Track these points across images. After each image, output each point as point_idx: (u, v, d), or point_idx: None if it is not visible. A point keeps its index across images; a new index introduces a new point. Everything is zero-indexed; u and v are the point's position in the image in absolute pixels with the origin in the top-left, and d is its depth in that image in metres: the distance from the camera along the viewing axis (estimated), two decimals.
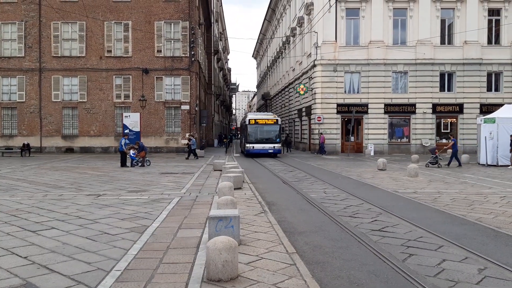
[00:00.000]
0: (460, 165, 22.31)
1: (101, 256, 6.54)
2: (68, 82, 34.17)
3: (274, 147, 30.30)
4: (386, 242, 7.61)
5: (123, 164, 22.11)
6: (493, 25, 32.89)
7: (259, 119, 31.34)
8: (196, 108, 34.40)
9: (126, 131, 29.68)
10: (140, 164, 22.28)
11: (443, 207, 10.99)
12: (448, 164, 22.39)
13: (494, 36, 33.09)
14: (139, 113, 32.29)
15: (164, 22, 33.72)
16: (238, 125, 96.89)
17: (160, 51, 33.78)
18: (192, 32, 33.59)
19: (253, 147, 30.34)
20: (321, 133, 33.12)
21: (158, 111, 33.84)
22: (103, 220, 9.08)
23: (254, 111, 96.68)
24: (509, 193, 13.31)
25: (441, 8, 32.47)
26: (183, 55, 33.70)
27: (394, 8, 32.31)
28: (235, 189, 12.67)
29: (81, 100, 34.07)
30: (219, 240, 5.60)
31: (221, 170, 18.64)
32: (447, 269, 6.19)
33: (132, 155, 22.28)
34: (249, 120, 31.23)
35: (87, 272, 5.78)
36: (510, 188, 14.32)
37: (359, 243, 7.60)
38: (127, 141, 23.36)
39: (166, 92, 33.98)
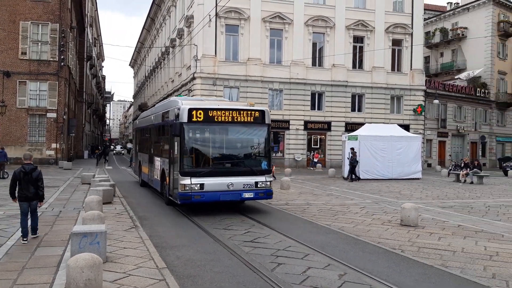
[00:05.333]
0: None
1: None
2: None
3: (256, 183, 12.07)
4: (257, 253, 7.76)
5: None
6: (358, 51, 36.25)
7: (218, 110, 12.11)
8: (64, 117, 32.01)
9: None
10: None
11: (311, 217, 11.62)
12: None
13: (358, 61, 36.42)
14: None
15: (31, 22, 30.96)
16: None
17: (25, 53, 30.88)
18: (63, 35, 31.36)
19: (201, 185, 11.48)
20: None
21: (20, 118, 30.75)
22: None
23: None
24: (368, 204, 14.60)
25: (313, 32, 34.86)
26: (51, 59, 31.23)
27: (271, 29, 33.84)
28: (104, 203, 11.97)
29: None
30: (81, 257, 5.26)
31: (90, 184, 17.49)
32: (312, 276, 6.51)
33: None
34: (189, 113, 11.80)
35: None
36: (369, 200, 15.72)
37: (231, 255, 7.65)
38: None
39: (30, 98, 31.06)
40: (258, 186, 12.07)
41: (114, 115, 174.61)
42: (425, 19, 43.38)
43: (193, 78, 32.53)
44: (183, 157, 11.64)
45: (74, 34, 39.69)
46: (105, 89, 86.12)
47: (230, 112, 12.15)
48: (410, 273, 6.81)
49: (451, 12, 49.74)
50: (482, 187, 21.70)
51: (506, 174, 30.99)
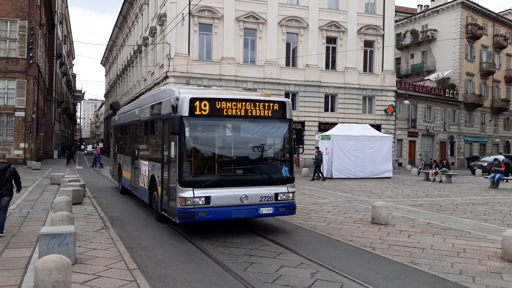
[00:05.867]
0: None
1: None
2: None
3: (276, 195, 9.36)
4: (230, 253, 7.75)
5: None
6: (330, 52, 36.59)
7: (228, 101, 9.35)
8: (33, 116, 31.21)
9: None
10: None
11: (284, 216, 11.62)
12: None
13: (331, 61, 36.75)
14: None
15: None
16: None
17: None
18: (32, 32, 30.55)
19: (206, 199, 8.71)
20: (98, 145, 32.58)
21: None
22: None
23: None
24: (340, 202, 14.76)
25: (287, 33, 35.02)
26: (20, 57, 30.38)
27: (244, 28, 33.81)
28: (74, 204, 11.75)
29: None
30: (49, 259, 5.15)
31: (59, 184, 17.10)
32: (284, 274, 6.53)
33: None
34: (191, 104, 8.94)
35: None
36: (341, 198, 15.90)
37: (203, 254, 7.62)
38: None
39: None
40: (279, 198, 9.35)
41: (85, 114, 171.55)
42: (396, 21, 44.13)
43: (166, 77, 32.21)
44: (182, 161, 8.80)
45: (44, 31, 38.75)
46: (75, 87, 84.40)
47: (243, 103, 9.41)
48: (381, 270, 6.92)
49: (422, 14, 50.81)
50: (450, 186, 22.26)
51: (473, 173, 31.87)
